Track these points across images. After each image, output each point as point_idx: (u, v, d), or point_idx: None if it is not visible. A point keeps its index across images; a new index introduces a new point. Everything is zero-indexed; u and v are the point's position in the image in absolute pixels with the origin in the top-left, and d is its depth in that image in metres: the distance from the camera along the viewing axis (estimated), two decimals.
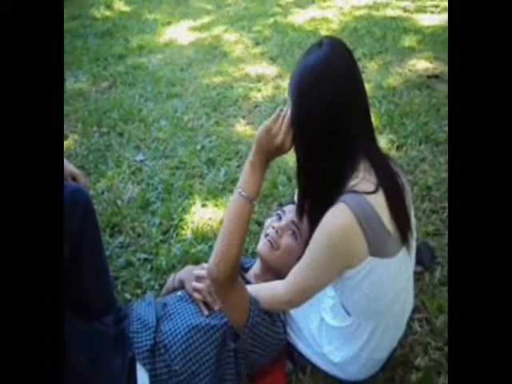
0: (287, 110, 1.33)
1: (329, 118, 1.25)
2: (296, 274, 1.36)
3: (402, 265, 1.37)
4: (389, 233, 1.29)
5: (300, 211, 1.45)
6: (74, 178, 1.73)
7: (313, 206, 1.39)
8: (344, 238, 1.26)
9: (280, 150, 1.35)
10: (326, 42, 1.28)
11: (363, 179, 1.28)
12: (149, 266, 2.11)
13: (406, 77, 3.69)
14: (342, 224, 1.25)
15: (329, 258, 1.30)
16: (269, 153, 1.35)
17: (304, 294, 1.38)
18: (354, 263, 1.29)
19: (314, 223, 1.32)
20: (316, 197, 1.37)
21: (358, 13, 5.29)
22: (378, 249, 1.27)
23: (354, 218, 1.23)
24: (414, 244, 1.40)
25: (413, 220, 1.42)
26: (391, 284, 1.36)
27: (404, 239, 1.33)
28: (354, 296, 1.38)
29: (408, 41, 4.27)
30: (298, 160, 1.36)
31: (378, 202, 1.27)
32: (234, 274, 1.36)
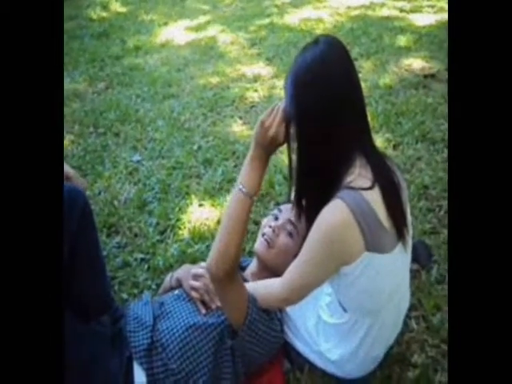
0: (281, 104, 1.34)
1: (325, 115, 1.25)
2: (293, 271, 1.37)
3: (398, 261, 1.37)
4: (385, 228, 1.29)
5: (297, 209, 1.45)
6: (68, 179, 1.72)
7: (309, 203, 1.40)
8: (340, 234, 1.26)
9: (274, 143, 1.36)
10: (322, 40, 1.28)
11: (359, 175, 1.28)
12: (146, 266, 2.11)
13: (403, 76, 3.70)
14: (339, 220, 1.25)
15: (325, 254, 1.30)
16: (265, 146, 1.36)
17: (301, 291, 1.38)
18: (350, 259, 1.29)
19: (310, 220, 1.32)
20: (312, 194, 1.37)
21: (354, 13, 5.30)
22: (374, 244, 1.27)
23: (350, 213, 1.24)
24: (410, 241, 1.41)
25: (409, 216, 1.42)
26: (388, 280, 1.37)
27: (400, 235, 1.34)
28: (351, 292, 1.38)
29: (404, 41, 4.28)
30: (298, 157, 1.36)
31: (374, 198, 1.27)
32: (233, 272, 1.36)
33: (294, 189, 1.42)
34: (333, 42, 1.30)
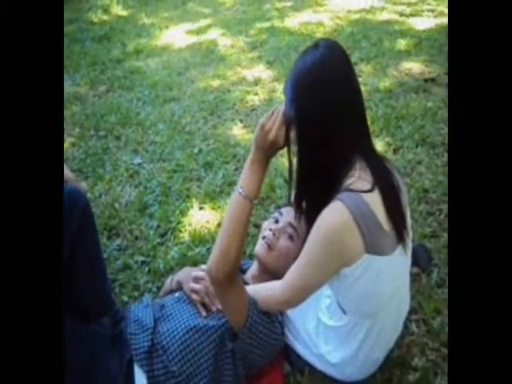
0: (281, 107, 1.34)
1: (325, 119, 1.26)
2: (293, 273, 1.37)
3: (398, 263, 1.37)
4: (385, 231, 1.29)
5: (298, 211, 1.45)
6: (66, 183, 1.72)
7: (309, 205, 1.40)
8: (340, 235, 1.27)
9: (274, 146, 1.35)
10: (322, 43, 1.29)
11: (359, 178, 1.29)
12: (146, 269, 2.11)
13: (403, 80, 3.70)
14: (338, 222, 1.26)
15: (325, 255, 1.30)
16: (265, 150, 1.36)
17: (301, 294, 1.39)
18: (350, 261, 1.29)
19: (310, 222, 1.32)
20: (312, 196, 1.38)
21: (354, 17, 5.31)
22: (373, 246, 1.28)
23: (349, 215, 1.24)
24: (410, 243, 1.41)
25: (409, 219, 1.42)
26: (388, 282, 1.37)
27: (400, 238, 1.34)
28: (350, 294, 1.39)
29: (404, 45, 4.29)
30: (297, 160, 1.37)
31: (374, 201, 1.27)
32: (233, 274, 1.36)
33: (293, 191, 1.42)
34: (333, 45, 1.30)
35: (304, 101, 1.27)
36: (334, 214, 1.27)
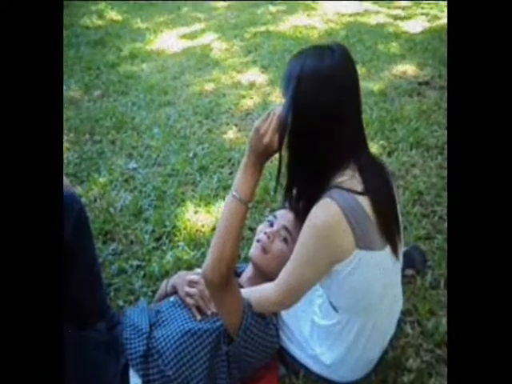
0: (276, 110, 1.33)
1: (328, 123, 1.26)
2: (286, 273, 1.38)
3: (389, 258, 1.38)
4: (375, 227, 1.30)
5: (294, 212, 1.45)
6: None
7: (303, 205, 1.40)
8: (330, 231, 1.27)
9: (269, 149, 1.33)
10: (337, 48, 1.28)
11: (352, 177, 1.30)
12: (142, 273, 2.11)
13: (397, 83, 3.73)
14: (328, 218, 1.26)
15: (316, 252, 1.31)
16: (259, 153, 1.34)
17: (295, 293, 1.39)
18: (341, 257, 1.30)
19: (303, 221, 1.33)
20: (306, 197, 1.38)
21: (349, 20, 5.34)
22: (364, 242, 1.28)
23: (339, 211, 1.25)
24: (401, 241, 1.42)
25: (400, 220, 1.43)
26: (379, 277, 1.37)
27: (390, 237, 1.35)
28: (342, 290, 1.39)
29: (398, 48, 4.31)
30: (293, 161, 1.37)
31: (366, 201, 1.28)
32: (228, 277, 1.36)
33: (285, 194, 1.43)
34: (346, 52, 1.30)
35: (309, 101, 1.26)
36: (323, 211, 1.27)
